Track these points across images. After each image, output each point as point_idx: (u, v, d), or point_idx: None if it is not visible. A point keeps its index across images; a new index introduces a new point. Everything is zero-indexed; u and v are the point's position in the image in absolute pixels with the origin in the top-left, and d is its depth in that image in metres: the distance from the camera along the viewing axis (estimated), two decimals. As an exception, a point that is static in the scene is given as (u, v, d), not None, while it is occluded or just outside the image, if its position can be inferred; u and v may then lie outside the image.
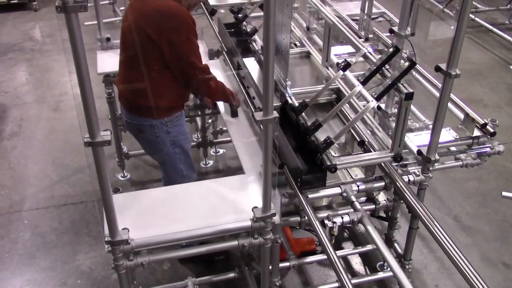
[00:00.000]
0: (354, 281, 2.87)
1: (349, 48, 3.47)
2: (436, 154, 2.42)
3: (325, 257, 2.93)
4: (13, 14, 6.84)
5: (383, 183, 2.49)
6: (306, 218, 2.44)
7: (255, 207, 2.14)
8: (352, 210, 2.42)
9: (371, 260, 3.25)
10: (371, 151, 2.45)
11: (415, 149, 2.51)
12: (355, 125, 2.58)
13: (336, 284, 2.86)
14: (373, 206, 2.63)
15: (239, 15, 3.41)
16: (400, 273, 2.12)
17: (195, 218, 2.20)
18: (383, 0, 4.61)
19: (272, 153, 1.99)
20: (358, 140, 2.55)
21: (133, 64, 2.71)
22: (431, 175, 2.54)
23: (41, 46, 6.10)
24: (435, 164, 2.47)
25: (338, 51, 3.43)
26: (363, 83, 2.34)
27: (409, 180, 2.50)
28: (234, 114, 2.91)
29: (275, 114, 1.85)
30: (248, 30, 3.35)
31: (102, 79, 3.44)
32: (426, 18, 6.83)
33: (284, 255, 2.87)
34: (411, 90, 2.21)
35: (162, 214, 2.22)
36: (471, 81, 5.46)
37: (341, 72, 2.52)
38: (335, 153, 2.57)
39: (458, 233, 3.47)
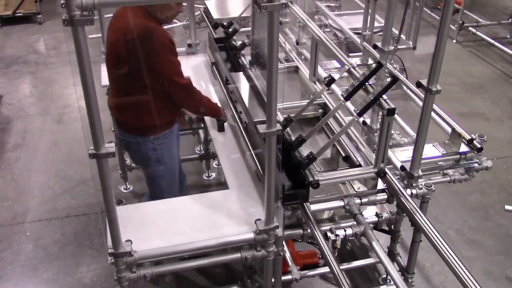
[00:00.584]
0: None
1: (356, 60, 3.49)
2: (420, 170, 2.39)
3: (328, 270, 2.93)
4: (18, 27, 6.90)
5: (386, 196, 2.49)
6: (309, 230, 2.44)
7: (258, 219, 2.14)
8: (355, 222, 2.42)
9: (374, 274, 3.24)
10: (357, 167, 2.44)
11: (399, 165, 2.49)
12: (341, 140, 2.58)
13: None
14: (376, 219, 2.63)
15: (229, 30, 3.40)
16: (404, 286, 2.12)
17: (198, 230, 2.20)
18: (385, 14, 4.62)
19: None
20: (343, 155, 2.54)
21: (118, 82, 2.73)
22: (433, 188, 2.54)
23: (45, 59, 6.14)
24: (420, 180, 2.46)
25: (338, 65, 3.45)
26: (346, 98, 2.33)
27: (411, 193, 2.50)
28: (220, 128, 2.90)
29: (278, 126, 1.87)
30: (237, 44, 3.33)
31: (106, 91, 3.46)
32: (427, 32, 6.86)
33: (287, 268, 2.86)
34: (392, 106, 2.20)
35: (165, 226, 2.22)
36: (472, 95, 5.47)
37: (325, 88, 2.52)
38: (320, 169, 2.55)
39: (461, 247, 3.46)
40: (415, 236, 2.67)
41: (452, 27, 6.77)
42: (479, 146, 2.65)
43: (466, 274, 1.96)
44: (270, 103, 1.81)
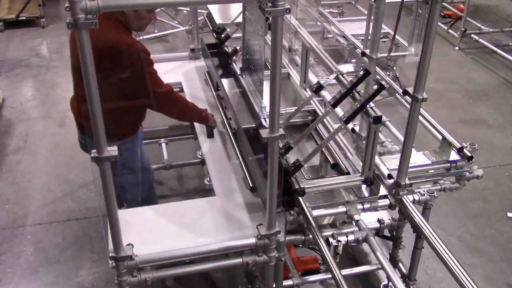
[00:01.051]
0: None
1: (349, 67, 3.47)
2: (407, 178, 2.36)
3: (329, 276, 2.92)
4: (21, 31, 6.92)
5: (388, 202, 2.48)
6: (311, 236, 2.43)
7: (260, 225, 2.14)
8: (357, 228, 2.41)
9: (375, 280, 3.22)
10: (345, 174, 2.42)
11: (386, 173, 2.45)
12: (330, 147, 2.56)
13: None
14: (378, 225, 2.62)
15: (222, 36, 3.38)
16: (405, 293, 2.11)
17: (199, 234, 2.19)
18: (388, 20, 4.64)
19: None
20: (331, 163, 2.52)
21: (82, 90, 2.68)
22: (436, 195, 2.53)
23: (48, 62, 6.15)
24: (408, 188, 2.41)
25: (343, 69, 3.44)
26: (334, 105, 2.30)
27: (414, 199, 2.49)
28: (209, 135, 2.88)
29: (281, 131, 1.86)
30: (229, 50, 3.30)
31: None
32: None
33: (288, 273, 2.85)
34: (379, 114, 2.18)
35: (167, 231, 2.21)
36: (475, 102, 5.47)
37: (313, 95, 2.50)
38: (309, 176, 2.53)
39: (463, 254, 3.45)
40: (417, 243, 2.66)
41: (455, 34, 6.79)
42: (469, 154, 2.61)
43: (468, 281, 1.96)
44: (273, 108, 1.81)
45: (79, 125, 2.82)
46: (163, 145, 3.90)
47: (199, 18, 3.82)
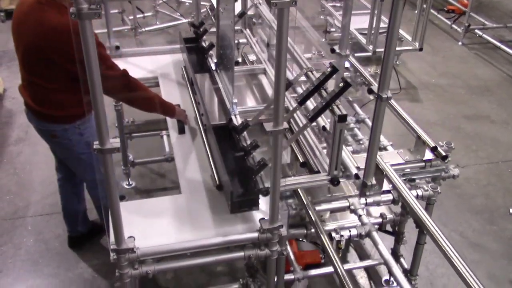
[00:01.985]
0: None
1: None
2: (373, 179, 2.31)
3: (330, 270, 2.91)
4: (22, 21, 6.88)
5: (391, 197, 2.47)
6: (313, 230, 2.42)
7: (262, 219, 2.12)
8: (359, 223, 2.40)
9: (375, 275, 3.22)
10: (315, 173, 2.34)
11: (354, 172, 2.38)
12: (302, 145, 2.49)
13: (341, 299, 2.83)
14: (380, 220, 2.61)
15: (200, 30, 3.30)
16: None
17: (201, 228, 2.18)
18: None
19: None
20: (301, 161, 2.44)
21: (37, 78, 2.65)
22: (439, 190, 2.52)
23: (50, 53, 6.12)
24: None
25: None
26: (301, 103, 2.23)
27: (417, 194, 2.48)
28: (180, 130, 2.83)
29: (285, 125, 1.85)
30: (205, 45, 3.21)
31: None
32: (434, 34, 6.85)
33: (289, 267, 2.84)
34: (344, 112, 2.11)
35: (168, 223, 2.20)
36: (478, 98, 5.45)
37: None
38: None
39: (465, 250, 3.44)
40: (420, 238, 2.65)
41: (458, 29, 6.75)
42: (444, 154, 2.57)
43: (471, 277, 1.94)
44: (278, 101, 1.79)
45: (32, 111, 2.78)
46: (165, 137, 3.89)
47: (202, 11, 3.79)
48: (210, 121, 2.50)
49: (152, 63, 3.51)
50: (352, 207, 2.43)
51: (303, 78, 2.49)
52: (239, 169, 2.25)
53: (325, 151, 2.43)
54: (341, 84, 2.09)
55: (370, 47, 5.82)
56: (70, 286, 3.15)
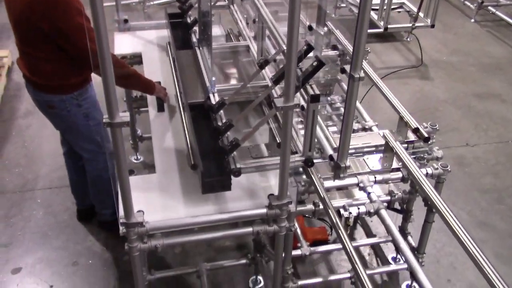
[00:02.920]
0: (367, 272, 2.86)
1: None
2: (348, 160, 2.23)
3: (336, 246, 2.92)
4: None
5: (400, 175, 2.46)
6: (321, 207, 2.42)
7: (271, 195, 2.12)
8: (368, 200, 2.40)
9: (381, 253, 3.23)
10: (293, 154, 2.27)
11: (329, 153, 2.34)
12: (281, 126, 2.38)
13: (347, 275, 2.84)
14: (388, 198, 2.61)
15: (185, 6, 3.20)
16: (416, 264, 2.11)
17: (210, 203, 2.18)
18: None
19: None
20: (278, 141, 2.39)
21: (30, 48, 2.63)
22: (449, 169, 2.51)
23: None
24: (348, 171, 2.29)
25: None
26: (276, 82, 2.18)
27: (427, 173, 2.47)
28: (159, 108, 2.80)
29: (296, 101, 1.83)
30: (189, 21, 3.12)
31: (119, 60, 3.43)
32: (446, 10, 6.74)
33: (296, 243, 2.85)
34: (317, 92, 2.06)
35: (178, 198, 2.21)
36: (490, 76, 5.38)
37: (260, 70, 2.40)
38: (256, 155, 2.42)
39: (472, 229, 3.43)
40: (428, 217, 2.65)
41: (471, 6, 6.64)
42: (426, 135, 2.53)
43: (480, 256, 1.93)
44: (289, 77, 1.77)
45: (30, 82, 2.76)
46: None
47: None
48: (187, 99, 2.45)
49: (158, 38, 3.49)
50: (361, 184, 2.43)
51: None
52: (212, 149, 2.20)
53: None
54: (314, 63, 2.04)
55: (381, 23, 5.76)
56: (79, 258, 3.18)
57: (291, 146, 2.28)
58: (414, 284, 2.86)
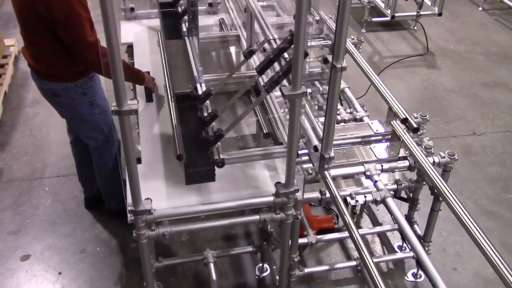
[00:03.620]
0: (374, 260, 2.87)
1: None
2: (332, 151, 2.21)
3: (342, 235, 2.93)
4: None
5: (407, 163, 2.46)
6: (328, 195, 2.43)
7: (278, 182, 2.13)
8: (375, 189, 2.40)
9: (387, 242, 3.24)
10: (279, 144, 2.27)
11: (314, 144, 2.32)
12: (270, 116, 2.40)
13: (353, 263, 2.86)
14: (395, 187, 2.61)
15: None
16: (422, 253, 2.11)
17: (217, 191, 2.19)
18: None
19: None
20: (265, 132, 2.37)
21: (32, 36, 2.64)
22: (456, 157, 2.50)
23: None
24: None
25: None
26: (260, 72, 2.13)
27: (433, 161, 2.47)
28: (148, 98, 2.78)
29: (303, 89, 1.83)
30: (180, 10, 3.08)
31: (125, 49, 3.43)
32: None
33: (303, 231, 2.87)
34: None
35: (185, 186, 2.21)
36: (498, 65, 5.35)
37: (245, 60, 2.38)
38: (242, 145, 2.40)
39: (479, 218, 3.43)
40: (435, 205, 2.65)
41: (479, -7, 6.59)
42: (415, 126, 2.50)
43: (487, 244, 1.94)
44: (296, 65, 1.77)
45: (34, 70, 2.78)
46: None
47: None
48: (174, 89, 2.43)
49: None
50: (368, 172, 2.43)
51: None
52: (197, 140, 2.19)
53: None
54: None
55: (389, 11, 5.72)
56: (87, 246, 3.20)
57: (278, 137, 2.28)
58: (420, 272, 2.90)
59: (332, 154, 2.19)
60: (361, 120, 2.92)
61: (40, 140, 4.11)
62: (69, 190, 3.62)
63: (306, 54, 1.96)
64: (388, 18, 5.68)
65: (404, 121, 2.52)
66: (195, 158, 2.10)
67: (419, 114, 2.60)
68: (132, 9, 3.62)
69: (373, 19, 5.87)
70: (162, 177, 2.29)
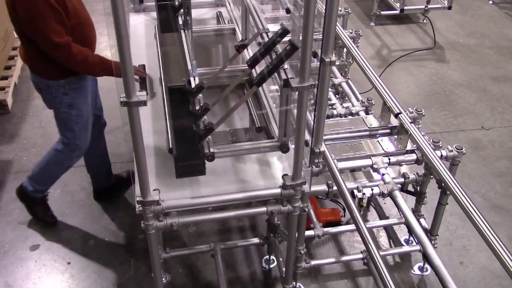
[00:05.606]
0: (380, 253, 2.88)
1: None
2: (322, 145, 2.16)
3: (349, 228, 2.94)
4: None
5: (415, 157, 2.46)
6: (335, 188, 2.44)
7: (286, 175, 2.14)
8: (382, 182, 2.41)
9: (393, 235, 3.24)
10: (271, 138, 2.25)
11: (305, 138, 2.22)
12: (263, 110, 2.38)
13: (360, 255, 2.87)
14: (402, 180, 2.61)
15: None
16: (429, 246, 2.12)
17: (225, 182, 2.20)
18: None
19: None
20: (257, 126, 2.34)
21: (16, 32, 2.71)
22: (464, 151, 2.50)
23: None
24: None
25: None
26: (251, 66, 2.12)
27: (441, 155, 2.46)
28: (141, 86, 2.75)
29: (311, 81, 1.83)
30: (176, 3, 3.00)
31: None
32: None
33: (309, 224, 2.88)
34: (290, 76, 1.97)
35: (193, 177, 2.22)
36: (507, 59, 5.31)
37: (237, 54, 2.34)
38: (234, 139, 2.32)
39: (486, 212, 3.42)
40: (442, 199, 2.65)
41: (490, -13, 6.54)
42: (409, 120, 2.51)
43: (494, 238, 1.94)
44: (304, 57, 1.77)
45: (30, 68, 2.82)
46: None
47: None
48: (168, 82, 2.40)
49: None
50: (375, 165, 2.43)
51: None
52: (188, 133, 2.16)
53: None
54: (288, 47, 2.00)
55: (398, 5, 5.70)
56: (95, 236, 3.24)
57: (270, 131, 2.27)
58: (426, 265, 2.90)
59: (322, 149, 2.15)
60: (357, 114, 2.92)
61: (49, 131, 4.14)
62: (78, 181, 3.64)
63: (295, 48, 1.94)
64: (397, 11, 5.65)
65: (398, 115, 2.52)
66: (185, 151, 2.10)
67: (415, 108, 2.60)
68: (141, 1, 3.62)
69: (382, 13, 5.85)
70: (153, 170, 2.27)
